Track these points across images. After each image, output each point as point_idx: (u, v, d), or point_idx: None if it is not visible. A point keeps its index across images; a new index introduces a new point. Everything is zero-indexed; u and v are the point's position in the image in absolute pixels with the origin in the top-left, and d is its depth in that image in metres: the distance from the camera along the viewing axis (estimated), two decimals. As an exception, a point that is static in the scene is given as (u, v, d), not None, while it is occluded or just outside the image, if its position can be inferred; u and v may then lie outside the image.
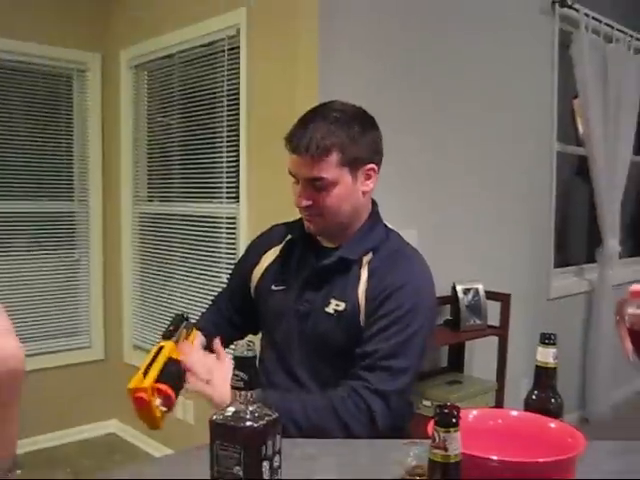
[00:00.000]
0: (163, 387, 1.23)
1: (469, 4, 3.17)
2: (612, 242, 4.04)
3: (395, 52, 2.86)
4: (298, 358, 1.54)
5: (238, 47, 2.88)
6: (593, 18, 3.82)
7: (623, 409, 4.24)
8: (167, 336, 1.35)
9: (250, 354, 0.91)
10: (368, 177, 1.51)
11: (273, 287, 1.59)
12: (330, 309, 1.49)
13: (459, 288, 2.92)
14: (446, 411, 0.71)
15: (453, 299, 2.95)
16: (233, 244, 3.01)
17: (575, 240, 4.56)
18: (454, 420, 0.71)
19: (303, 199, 1.47)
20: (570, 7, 3.68)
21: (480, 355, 3.18)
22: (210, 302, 1.88)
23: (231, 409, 0.91)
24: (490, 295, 3.02)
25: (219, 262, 3.12)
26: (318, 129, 1.44)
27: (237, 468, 0.89)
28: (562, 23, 3.77)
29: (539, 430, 1.02)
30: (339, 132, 1.44)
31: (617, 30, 4.03)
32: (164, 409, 1.23)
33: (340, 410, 1.37)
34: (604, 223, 4.02)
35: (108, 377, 3.82)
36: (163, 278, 3.52)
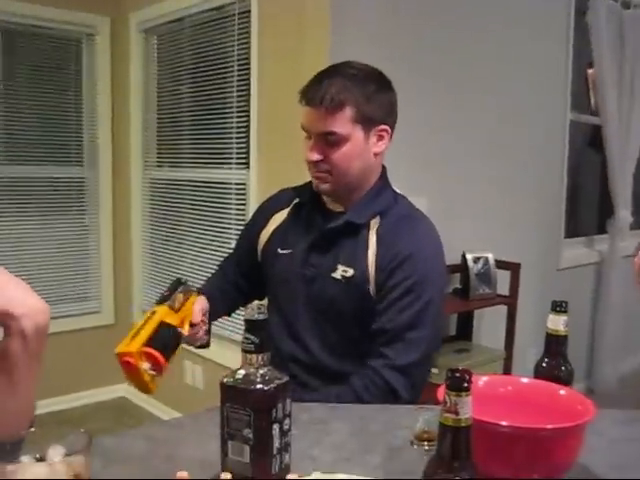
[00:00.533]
0: (151, 351, 1.20)
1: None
2: (624, 213, 4.01)
3: (409, 28, 2.81)
4: (304, 323, 1.53)
5: (249, 11, 2.84)
6: (611, -17, 3.74)
7: (629, 380, 4.24)
8: (161, 301, 1.32)
9: (261, 317, 0.91)
10: (380, 138, 1.49)
11: (279, 250, 1.58)
12: (337, 274, 1.48)
13: (469, 257, 2.91)
14: (458, 375, 0.70)
15: (463, 268, 2.94)
16: (243, 210, 3.01)
17: (586, 210, 4.52)
18: (465, 384, 0.70)
19: (314, 153, 1.45)
20: (587, -28, 3.61)
21: (489, 324, 3.18)
22: (216, 267, 1.86)
23: (242, 372, 0.91)
24: (500, 264, 3.01)
25: (229, 228, 3.12)
26: (334, 84, 1.43)
27: (247, 430, 0.89)
28: (579, -12, 3.69)
29: (549, 397, 1.02)
30: (354, 89, 1.43)
31: (635, -5, 3.94)
32: (153, 373, 1.22)
33: (366, 399, 1.39)
34: (616, 194, 3.98)
35: (118, 341, 3.82)
36: (173, 244, 3.53)
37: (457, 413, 0.70)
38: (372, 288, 1.45)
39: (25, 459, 0.70)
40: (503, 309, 2.99)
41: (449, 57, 3.00)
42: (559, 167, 3.77)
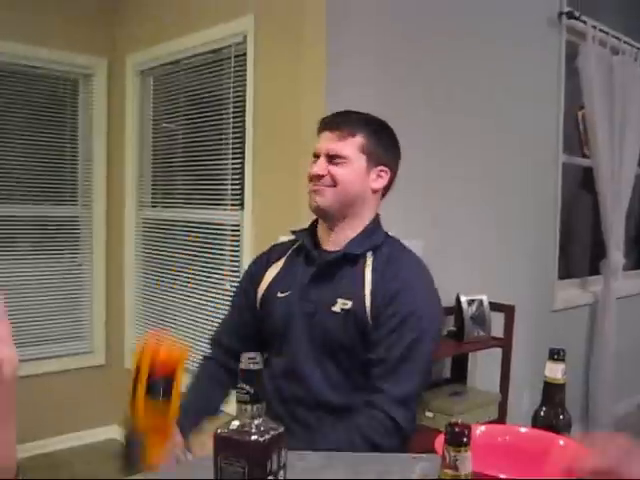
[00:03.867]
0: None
1: (477, 14, 3.17)
2: (616, 254, 4.02)
3: (402, 61, 2.85)
4: (305, 359, 1.55)
5: (245, 54, 2.88)
6: (600, 30, 3.81)
7: (625, 422, 4.21)
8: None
9: (256, 367, 0.90)
10: (379, 177, 1.61)
11: (279, 294, 1.63)
12: (337, 308, 1.53)
13: (463, 299, 2.91)
14: (457, 430, 0.69)
15: (457, 310, 2.93)
16: (237, 251, 3.00)
17: (580, 252, 4.54)
18: (465, 439, 0.69)
19: (319, 168, 1.57)
20: (577, 19, 3.68)
21: (484, 367, 3.16)
22: (200, 362, 1.80)
23: (236, 422, 0.89)
24: (494, 306, 3.00)
25: (222, 269, 3.11)
26: (352, 117, 1.61)
27: (242, 482, 0.87)
28: (569, 35, 3.76)
29: (548, 447, 1.00)
30: (369, 127, 1.60)
31: (624, 42, 4.02)
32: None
33: (369, 436, 1.42)
34: (608, 235, 4.00)
35: (109, 382, 3.81)
36: (166, 284, 3.51)
37: (457, 469, 0.69)
38: (369, 320, 1.50)
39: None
40: (498, 352, 2.97)
41: (442, 99, 3.03)
42: (552, 209, 3.79)
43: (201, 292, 3.26)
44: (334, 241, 1.62)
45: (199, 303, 3.27)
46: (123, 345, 3.78)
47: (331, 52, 2.58)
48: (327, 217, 1.61)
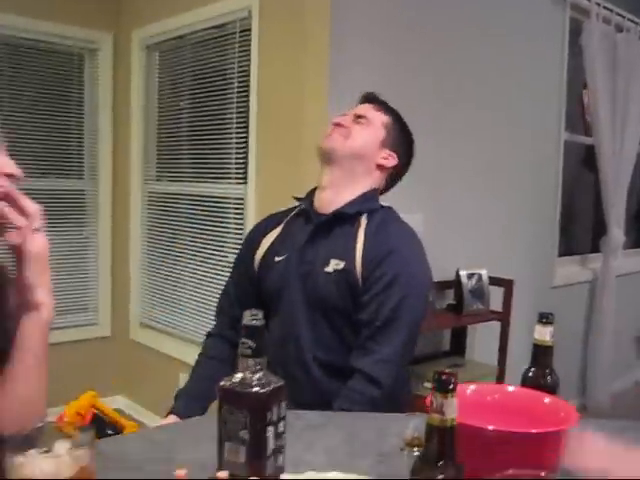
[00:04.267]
0: None
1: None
2: (617, 232, 4.06)
3: (407, 43, 2.88)
4: (301, 321, 1.62)
5: (250, 29, 2.90)
6: (604, 7, 3.82)
7: (622, 398, 4.27)
8: None
9: (257, 323, 0.95)
10: (386, 158, 1.72)
11: (276, 258, 1.70)
12: (330, 268, 1.60)
13: (463, 273, 2.96)
14: (444, 377, 0.74)
15: (456, 284, 2.98)
16: (241, 224, 3.05)
17: (580, 229, 4.58)
18: (451, 386, 0.74)
19: (342, 119, 1.72)
20: (581, -5, 3.69)
21: (482, 340, 3.22)
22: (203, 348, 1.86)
23: (239, 375, 0.95)
24: (493, 281, 3.05)
25: (227, 242, 3.16)
26: (387, 103, 1.79)
27: (243, 432, 0.93)
28: (573, 12, 3.77)
29: (534, 405, 1.05)
30: (399, 118, 1.77)
31: (628, 20, 4.03)
32: None
33: (355, 402, 1.51)
34: (609, 213, 4.03)
35: (114, 354, 3.88)
36: (171, 257, 3.57)
37: (443, 413, 0.74)
38: (360, 281, 1.58)
39: (33, 453, 0.73)
40: (496, 325, 3.03)
41: (445, 78, 3.06)
42: (553, 186, 3.83)
43: (205, 265, 3.31)
44: (330, 203, 1.69)
45: (204, 275, 3.32)
46: (128, 317, 3.85)
47: (335, 31, 2.61)
48: (327, 162, 1.71)
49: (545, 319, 1.13)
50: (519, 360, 3.19)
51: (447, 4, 3.04)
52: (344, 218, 1.65)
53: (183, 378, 3.38)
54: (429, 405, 0.76)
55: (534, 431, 0.93)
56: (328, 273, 1.60)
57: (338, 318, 1.61)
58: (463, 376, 2.76)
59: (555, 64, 3.74)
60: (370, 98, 1.79)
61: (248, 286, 1.77)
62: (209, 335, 1.85)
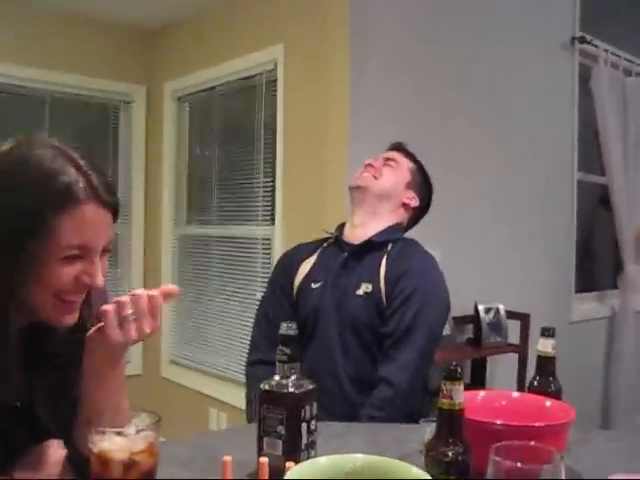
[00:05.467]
0: None
1: (494, 39, 3.36)
2: (633, 268, 4.14)
3: (423, 86, 3.05)
4: (336, 342, 1.79)
5: (275, 80, 3.11)
6: (612, 53, 3.98)
7: (646, 434, 4.28)
8: None
9: (292, 332, 1.10)
10: (410, 199, 1.95)
11: (312, 285, 1.88)
12: (360, 291, 1.79)
13: (481, 307, 3.07)
14: (452, 368, 0.88)
15: (475, 318, 3.09)
16: (268, 263, 3.21)
17: (598, 266, 4.66)
18: (458, 375, 0.88)
19: (374, 161, 1.95)
20: (589, 43, 3.85)
21: (501, 372, 3.31)
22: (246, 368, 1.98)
23: (276, 379, 1.10)
24: (511, 315, 3.16)
25: (255, 281, 3.31)
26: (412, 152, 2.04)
27: (280, 427, 1.07)
28: (582, 57, 3.93)
29: (537, 407, 1.18)
30: (423, 168, 2.02)
31: (636, 65, 4.19)
32: None
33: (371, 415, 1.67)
34: (625, 249, 4.13)
35: (146, 391, 4.01)
36: (200, 296, 3.72)
37: (452, 398, 0.88)
38: (384, 300, 1.77)
39: (108, 431, 0.88)
40: (514, 357, 3.12)
41: (460, 120, 3.22)
42: (568, 224, 3.94)
43: (234, 303, 3.46)
44: (360, 235, 1.88)
45: (232, 313, 3.47)
46: (160, 355, 3.99)
47: (355, 78, 2.79)
48: (359, 199, 1.91)
49: (547, 332, 1.26)
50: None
51: (463, 50, 3.20)
52: (372, 246, 1.84)
53: (213, 413, 3.54)
54: (440, 392, 0.90)
55: (537, 424, 1.06)
56: (359, 296, 1.79)
57: (367, 336, 1.77)
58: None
59: (566, 108, 3.88)
60: (398, 146, 2.02)
61: (288, 309, 1.92)
62: (252, 363, 1.94)
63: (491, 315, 3.08)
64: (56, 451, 0.94)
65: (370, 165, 1.94)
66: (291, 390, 1.08)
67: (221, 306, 3.57)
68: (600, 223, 4.57)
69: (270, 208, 3.19)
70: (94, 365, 1.05)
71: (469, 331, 3.21)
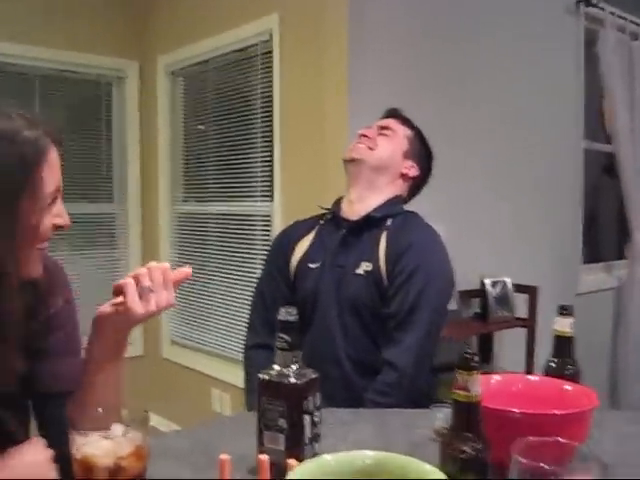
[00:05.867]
0: None
1: (496, 5, 3.25)
2: (640, 238, 4.06)
3: (424, 56, 2.95)
4: (336, 324, 1.70)
5: (271, 51, 3.00)
6: (618, 16, 3.86)
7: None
8: None
9: (292, 318, 1.02)
10: (409, 168, 1.83)
11: (310, 265, 1.78)
12: (360, 270, 1.69)
13: (487, 281, 3.00)
14: (468, 356, 0.80)
15: (481, 292, 3.02)
16: (268, 241, 3.12)
17: (605, 236, 4.58)
18: (474, 364, 0.80)
19: (367, 131, 1.82)
20: (595, 6, 3.73)
21: (509, 347, 3.24)
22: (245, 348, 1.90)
23: (276, 368, 1.02)
24: (518, 288, 3.08)
25: (255, 258, 3.23)
26: (410, 119, 1.90)
27: (282, 420, 1.00)
28: (587, 22, 3.81)
29: (556, 392, 1.11)
30: (420, 133, 1.89)
31: (643, 28, 4.06)
32: None
33: (376, 400, 1.60)
34: (632, 218, 4.04)
35: (147, 372, 3.96)
36: (200, 275, 3.65)
37: (468, 390, 0.80)
38: (385, 279, 1.67)
39: (93, 434, 0.81)
40: (522, 332, 3.05)
41: (462, 90, 3.12)
42: (575, 194, 3.85)
43: (234, 281, 3.39)
44: (358, 211, 1.78)
45: (232, 292, 3.40)
46: (160, 336, 3.93)
47: (353, 48, 2.69)
48: (354, 172, 1.80)
49: (565, 310, 1.18)
50: (547, 367, 3.22)
51: (463, 19, 3.10)
52: (371, 222, 1.74)
53: (215, 394, 3.48)
54: (454, 383, 0.82)
55: (557, 412, 0.98)
56: (359, 275, 1.70)
57: (368, 317, 1.68)
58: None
59: (572, 74, 3.78)
60: (393, 113, 1.89)
61: (285, 290, 1.84)
62: (250, 347, 1.86)
63: (498, 289, 3.01)
64: (35, 450, 0.86)
65: (364, 135, 1.83)
66: (292, 380, 1.00)
67: (221, 285, 3.50)
68: (605, 192, 4.48)
69: (269, 184, 3.10)
70: (102, 348, 1.09)
71: (475, 306, 3.14)
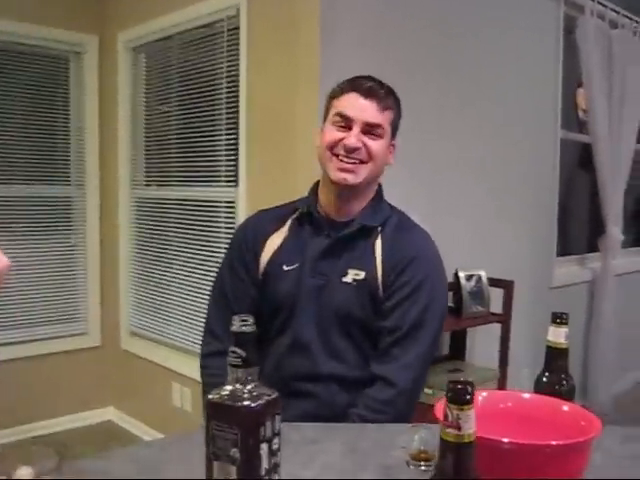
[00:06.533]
0: None
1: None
2: (615, 231, 3.99)
3: (398, 35, 2.80)
4: (316, 337, 1.52)
5: (238, 28, 2.82)
6: (598, 2, 3.76)
7: (624, 399, 4.20)
8: None
9: (248, 329, 0.87)
10: (390, 151, 1.59)
11: (285, 267, 1.57)
12: (348, 278, 1.51)
13: (461, 275, 2.88)
14: (460, 387, 0.66)
15: (455, 286, 2.90)
16: (232, 228, 2.96)
17: (578, 228, 4.51)
18: (468, 397, 0.66)
19: (357, 140, 1.49)
20: (575, -10, 3.63)
21: (482, 343, 3.14)
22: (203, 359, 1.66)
23: (228, 388, 0.86)
24: (493, 282, 2.97)
25: (218, 246, 3.07)
26: (384, 86, 1.56)
27: (234, 450, 0.84)
28: (567, 8, 3.70)
29: (552, 413, 0.97)
30: (396, 99, 1.59)
31: (623, 15, 3.97)
32: None
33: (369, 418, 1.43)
34: (607, 211, 3.97)
35: (105, 364, 3.78)
36: (161, 263, 3.47)
37: (460, 428, 0.66)
38: (380, 290, 1.50)
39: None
40: (496, 328, 2.94)
41: (438, 76, 2.98)
42: (551, 185, 3.76)
43: (197, 270, 3.22)
44: (346, 211, 1.57)
45: (195, 281, 3.23)
46: (119, 326, 3.75)
47: (325, 26, 2.52)
48: (350, 192, 1.55)
49: (559, 319, 1.05)
50: (520, 362, 3.13)
51: (441, 4, 2.96)
52: (363, 230, 1.55)
53: (176, 388, 3.32)
54: (443, 418, 0.68)
55: (554, 443, 0.84)
56: (347, 284, 1.51)
57: (354, 329, 1.52)
58: (464, 381, 2.69)
59: (550, 61, 3.67)
60: (370, 92, 1.52)
61: (252, 291, 1.61)
62: (208, 355, 1.62)
63: (472, 283, 2.89)
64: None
65: (351, 149, 1.49)
66: (246, 403, 0.84)
67: (183, 274, 3.32)
68: (580, 184, 4.40)
69: (234, 169, 2.93)
70: None
71: (449, 299, 3.01)
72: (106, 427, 3.75)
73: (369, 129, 1.50)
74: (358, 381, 1.49)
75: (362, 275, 1.50)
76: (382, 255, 1.51)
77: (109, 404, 3.82)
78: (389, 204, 1.64)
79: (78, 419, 3.71)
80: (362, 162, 1.50)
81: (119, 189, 3.66)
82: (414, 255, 1.51)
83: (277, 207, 1.71)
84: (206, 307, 1.73)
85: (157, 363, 3.49)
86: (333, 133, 1.51)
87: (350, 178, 1.50)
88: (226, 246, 2.95)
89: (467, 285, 2.87)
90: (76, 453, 3.47)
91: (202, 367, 1.64)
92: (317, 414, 1.41)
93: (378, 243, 1.53)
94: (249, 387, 0.85)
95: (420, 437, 1.04)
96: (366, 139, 1.50)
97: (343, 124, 1.51)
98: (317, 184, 1.64)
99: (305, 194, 1.68)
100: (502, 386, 2.91)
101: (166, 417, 3.41)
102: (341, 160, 1.50)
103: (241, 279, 1.62)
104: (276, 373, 1.52)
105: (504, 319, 2.91)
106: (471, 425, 0.66)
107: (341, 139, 1.50)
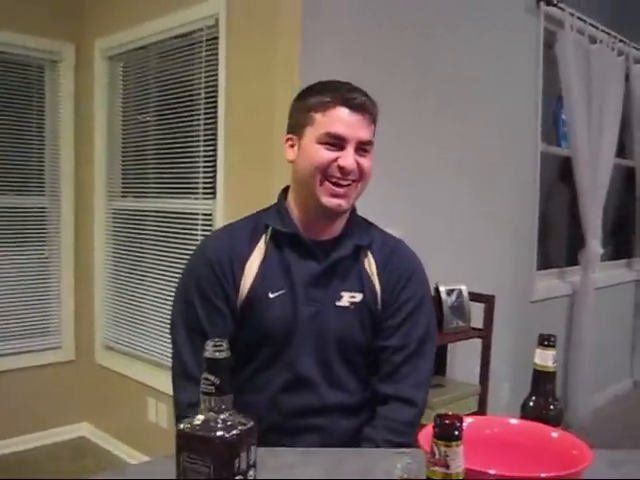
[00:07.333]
0: None
1: (455, 1, 3.10)
2: (594, 244, 4.00)
3: (379, 48, 2.78)
4: (311, 366, 1.42)
5: (217, 38, 2.78)
6: (578, 18, 3.78)
7: (604, 413, 4.20)
8: None
9: (221, 355, 0.82)
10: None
11: (270, 295, 1.41)
12: (344, 302, 1.43)
13: (442, 289, 2.85)
14: (447, 422, 0.62)
15: (436, 300, 2.86)
16: (209, 241, 2.91)
17: (557, 242, 4.51)
18: (457, 433, 0.62)
19: (353, 162, 1.38)
20: (555, 5, 3.63)
21: (462, 358, 3.10)
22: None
23: (200, 417, 0.81)
24: (474, 297, 2.94)
25: (195, 260, 3.00)
26: (367, 96, 1.44)
27: (207, 483, 0.79)
28: (547, 22, 3.71)
29: (540, 440, 0.93)
30: (376, 106, 1.47)
31: (602, 31, 3.99)
32: None
33: (401, 433, 1.40)
34: (586, 225, 3.97)
35: (79, 378, 3.70)
36: (137, 276, 3.40)
37: (447, 466, 0.61)
38: (379, 308, 1.45)
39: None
40: (477, 343, 2.91)
41: (420, 91, 2.97)
42: (531, 198, 3.75)
43: (173, 284, 3.15)
44: (329, 231, 1.46)
45: (171, 294, 3.16)
46: (93, 340, 3.67)
47: (306, 37, 2.49)
48: (337, 215, 1.45)
49: (547, 342, 1.01)
50: (500, 378, 3.10)
51: (422, 11, 2.94)
52: (355, 250, 1.46)
53: (151, 403, 3.25)
54: (429, 454, 0.63)
55: (544, 475, 0.80)
56: (344, 308, 1.42)
57: (355, 354, 1.44)
58: (445, 397, 2.66)
59: (530, 74, 3.67)
60: (359, 105, 1.40)
61: (231, 324, 1.43)
62: (190, 405, 1.35)
63: (453, 297, 2.86)
64: None
65: (348, 171, 1.38)
66: (220, 433, 0.79)
67: (159, 287, 3.25)
68: (559, 198, 4.41)
69: (212, 180, 2.88)
70: None
71: (429, 314, 2.98)
72: (79, 443, 3.65)
73: (360, 146, 1.39)
74: (357, 406, 1.45)
75: (359, 297, 1.42)
76: (378, 274, 1.45)
77: (83, 420, 3.73)
78: (362, 217, 1.55)
79: (50, 435, 3.61)
80: (354, 181, 1.40)
81: (95, 200, 3.59)
82: (411, 270, 1.49)
83: (242, 221, 1.54)
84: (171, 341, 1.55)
85: (132, 378, 3.41)
86: (323, 153, 1.37)
87: (344, 203, 1.40)
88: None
89: (448, 300, 2.83)
90: (49, 470, 3.39)
91: (183, 418, 1.46)
92: (323, 446, 1.34)
93: (370, 262, 1.46)
94: (223, 416, 0.81)
95: (402, 466, 0.99)
96: (358, 157, 1.38)
97: (333, 142, 1.37)
98: (285, 193, 1.51)
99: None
100: (483, 401, 2.88)
101: (141, 433, 3.33)
102: (334, 184, 1.38)
103: (219, 311, 1.43)
104: (274, 410, 1.42)
105: (485, 334, 2.88)
106: (459, 463, 0.62)
107: (334, 160, 1.37)
